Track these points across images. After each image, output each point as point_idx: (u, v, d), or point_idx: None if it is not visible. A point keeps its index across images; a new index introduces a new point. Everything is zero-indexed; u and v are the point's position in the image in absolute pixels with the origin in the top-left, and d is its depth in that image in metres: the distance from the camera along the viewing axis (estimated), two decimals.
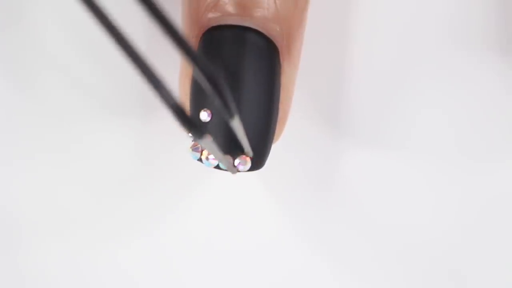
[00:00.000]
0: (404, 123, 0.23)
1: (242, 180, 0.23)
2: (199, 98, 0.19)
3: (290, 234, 0.24)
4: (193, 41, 0.19)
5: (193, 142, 0.18)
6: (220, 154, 0.16)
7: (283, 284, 0.24)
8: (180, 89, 0.20)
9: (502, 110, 0.23)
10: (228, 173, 0.19)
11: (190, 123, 0.12)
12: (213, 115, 0.18)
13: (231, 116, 0.13)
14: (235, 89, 0.18)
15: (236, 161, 0.18)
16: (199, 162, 0.19)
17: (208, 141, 0.13)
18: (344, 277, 0.24)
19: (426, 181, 0.23)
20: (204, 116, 0.18)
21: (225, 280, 0.24)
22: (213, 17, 0.19)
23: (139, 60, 0.12)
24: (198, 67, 0.12)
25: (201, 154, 0.18)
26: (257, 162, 0.19)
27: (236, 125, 0.14)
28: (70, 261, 0.24)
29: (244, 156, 0.18)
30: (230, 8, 0.18)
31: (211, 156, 0.18)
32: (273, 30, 0.19)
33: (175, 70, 0.21)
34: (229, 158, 0.18)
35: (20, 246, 0.24)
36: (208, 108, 0.18)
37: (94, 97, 0.24)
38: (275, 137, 0.20)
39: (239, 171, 0.18)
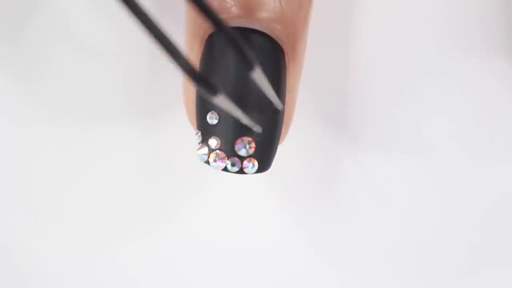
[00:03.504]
0: (408, 125, 0.23)
1: (246, 181, 0.23)
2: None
3: (294, 234, 0.24)
4: (198, 43, 0.19)
5: (200, 145, 0.18)
6: (237, 110, 0.15)
7: (286, 284, 0.24)
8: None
9: (506, 111, 0.24)
10: (233, 175, 0.19)
11: (204, 82, 0.12)
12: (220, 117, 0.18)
13: (251, 66, 0.13)
14: None
15: (245, 164, 0.18)
16: (206, 165, 0.19)
17: (222, 99, 0.13)
18: (348, 277, 0.24)
19: (430, 182, 0.23)
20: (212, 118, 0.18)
21: (227, 280, 0.24)
22: None
23: (151, 24, 0.11)
24: (210, 18, 0.12)
25: (209, 157, 0.18)
26: (264, 164, 0.19)
27: (259, 77, 0.13)
28: (71, 261, 0.24)
29: (252, 158, 0.18)
30: (235, 10, 0.18)
31: (218, 158, 0.18)
32: (278, 32, 0.19)
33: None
34: (237, 160, 0.18)
35: (20, 245, 0.24)
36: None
37: (99, 98, 0.24)
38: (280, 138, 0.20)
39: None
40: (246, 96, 0.18)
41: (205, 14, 0.12)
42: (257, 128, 0.18)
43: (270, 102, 0.17)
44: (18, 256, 0.24)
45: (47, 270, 0.24)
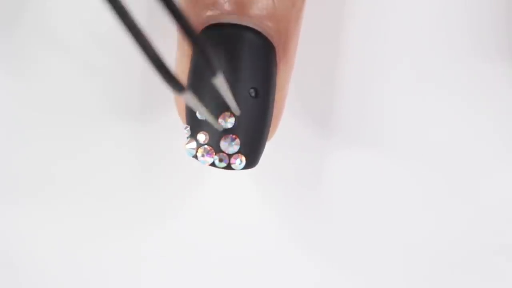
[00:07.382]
0: (398, 124, 0.24)
1: (233, 179, 0.23)
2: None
3: (281, 231, 0.24)
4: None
5: (188, 139, 0.19)
6: (203, 108, 0.16)
7: (272, 283, 0.24)
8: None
9: (506, 114, 0.24)
10: (220, 170, 0.19)
11: (170, 75, 0.12)
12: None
13: (214, 73, 0.14)
14: (232, 86, 0.18)
15: (232, 160, 0.18)
16: (194, 159, 0.19)
17: (189, 97, 0.14)
18: (335, 272, 0.24)
19: (415, 179, 0.24)
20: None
21: (214, 279, 0.24)
22: (211, 15, 0.19)
23: (121, 9, 0.12)
24: (183, 29, 0.12)
25: (197, 151, 0.18)
26: (251, 160, 0.19)
27: (220, 83, 0.15)
28: (70, 260, 0.24)
29: (240, 154, 0.18)
30: (228, 7, 0.18)
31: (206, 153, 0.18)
32: (270, 29, 0.19)
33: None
34: (225, 156, 0.18)
35: (19, 246, 0.24)
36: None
37: (90, 96, 0.24)
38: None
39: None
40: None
41: (175, 18, 0.12)
42: (219, 127, 0.18)
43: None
44: (18, 256, 0.24)
45: (45, 270, 0.24)
